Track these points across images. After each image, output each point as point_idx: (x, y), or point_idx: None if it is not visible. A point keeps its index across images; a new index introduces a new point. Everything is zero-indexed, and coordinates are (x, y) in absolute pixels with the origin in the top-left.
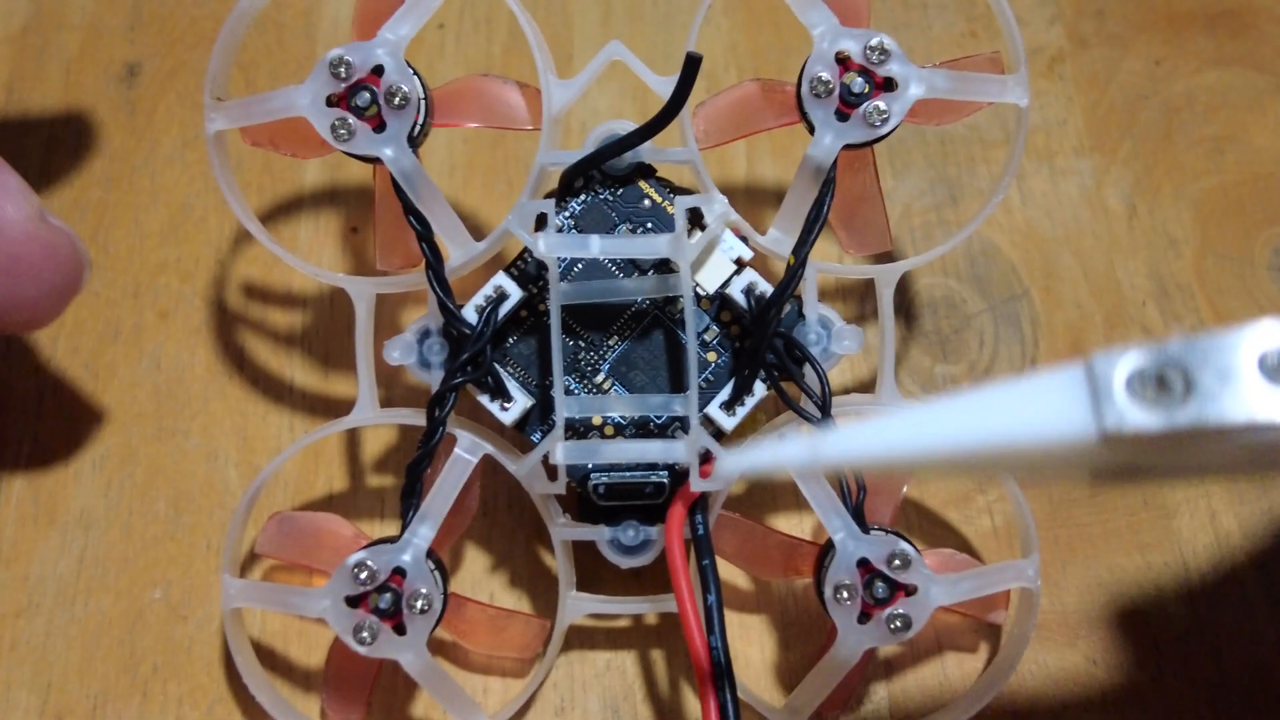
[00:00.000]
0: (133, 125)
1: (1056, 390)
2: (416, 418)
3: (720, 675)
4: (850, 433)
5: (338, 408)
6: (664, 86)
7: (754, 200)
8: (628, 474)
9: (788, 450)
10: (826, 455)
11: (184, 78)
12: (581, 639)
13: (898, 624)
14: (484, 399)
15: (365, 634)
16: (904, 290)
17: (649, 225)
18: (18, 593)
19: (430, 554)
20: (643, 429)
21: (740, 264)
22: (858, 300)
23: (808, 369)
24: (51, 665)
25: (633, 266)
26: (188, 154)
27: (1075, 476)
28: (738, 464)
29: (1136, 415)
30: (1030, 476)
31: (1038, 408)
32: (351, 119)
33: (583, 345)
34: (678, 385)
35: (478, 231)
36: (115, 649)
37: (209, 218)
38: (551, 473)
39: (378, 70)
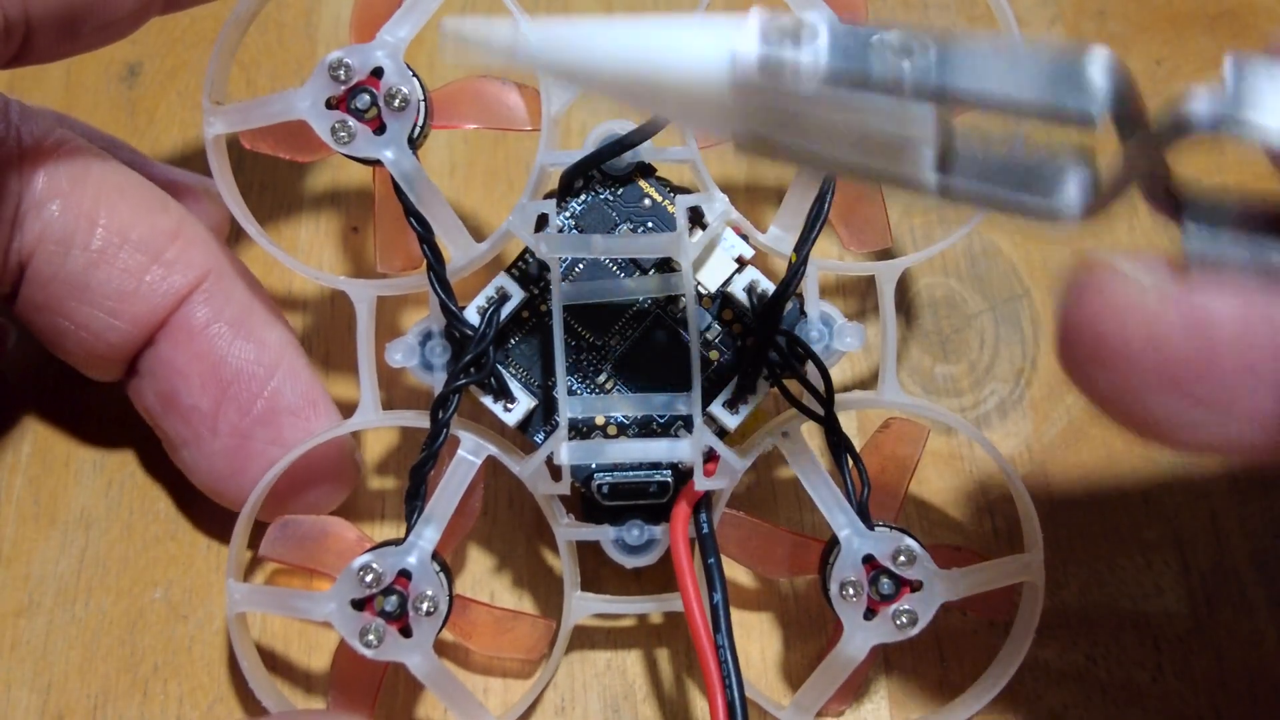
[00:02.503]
0: (133, 125)
1: (708, 30)
2: (419, 420)
3: (728, 674)
4: (551, 33)
5: (340, 412)
6: None
7: (753, 198)
8: (631, 473)
9: (497, 31)
10: (528, 46)
11: (185, 78)
12: (582, 639)
13: (904, 620)
14: (487, 400)
15: (371, 637)
16: (904, 290)
17: (649, 224)
18: (18, 592)
19: (435, 556)
20: (646, 428)
21: (741, 262)
22: (858, 297)
23: (810, 366)
24: (52, 665)
25: (634, 266)
26: (188, 154)
27: (721, 125)
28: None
29: (755, 46)
30: (678, 110)
31: (699, 35)
32: (351, 121)
33: (585, 345)
34: (680, 384)
35: (478, 232)
36: (116, 648)
37: None
38: (555, 473)
39: (377, 72)
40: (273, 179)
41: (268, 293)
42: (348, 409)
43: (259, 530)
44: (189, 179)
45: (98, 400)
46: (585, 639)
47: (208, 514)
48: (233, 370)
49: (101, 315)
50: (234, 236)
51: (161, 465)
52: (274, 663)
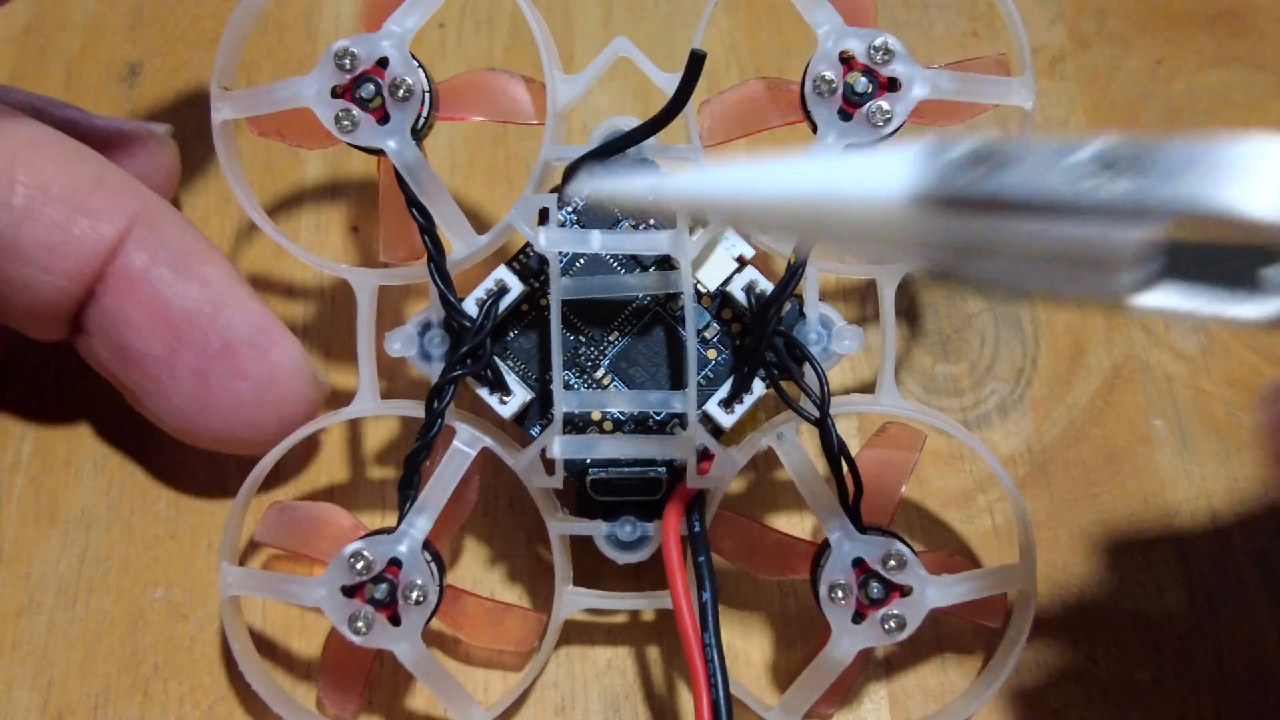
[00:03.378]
0: None
1: (888, 158)
2: (418, 410)
3: (713, 672)
4: (692, 175)
5: (339, 401)
6: (668, 83)
7: None
8: (626, 469)
9: (636, 182)
10: (670, 189)
11: (185, 77)
12: (582, 637)
13: (892, 624)
14: (483, 392)
15: (360, 624)
16: (905, 289)
17: (651, 221)
18: (19, 592)
19: (427, 546)
20: (642, 425)
21: (741, 262)
22: (859, 301)
23: (807, 368)
24: (52, 664)
25: (634, 263)
26: (189, 154)
27: (896, 254)
28: (593, 187)
29: (947, 180)
30: (853, 244)
31: (866, 168)
32: (355, 110)
33: (583, 340)
34: (678, 382)
35: (478, 229)
36: (116, 648)
37: (210, 217)
38: (550, 467)
39: (382, 62)
40: (272, 177)
41: (200, 231)
42: (347, 399)
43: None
44: (134, 127)
45: (98, 400)
46: (585, 637)
47: (208, 514)
48: (180, 311)
49: (35, 272)
50: (237, 232)
51: (162, 465)
52: (273, 653)
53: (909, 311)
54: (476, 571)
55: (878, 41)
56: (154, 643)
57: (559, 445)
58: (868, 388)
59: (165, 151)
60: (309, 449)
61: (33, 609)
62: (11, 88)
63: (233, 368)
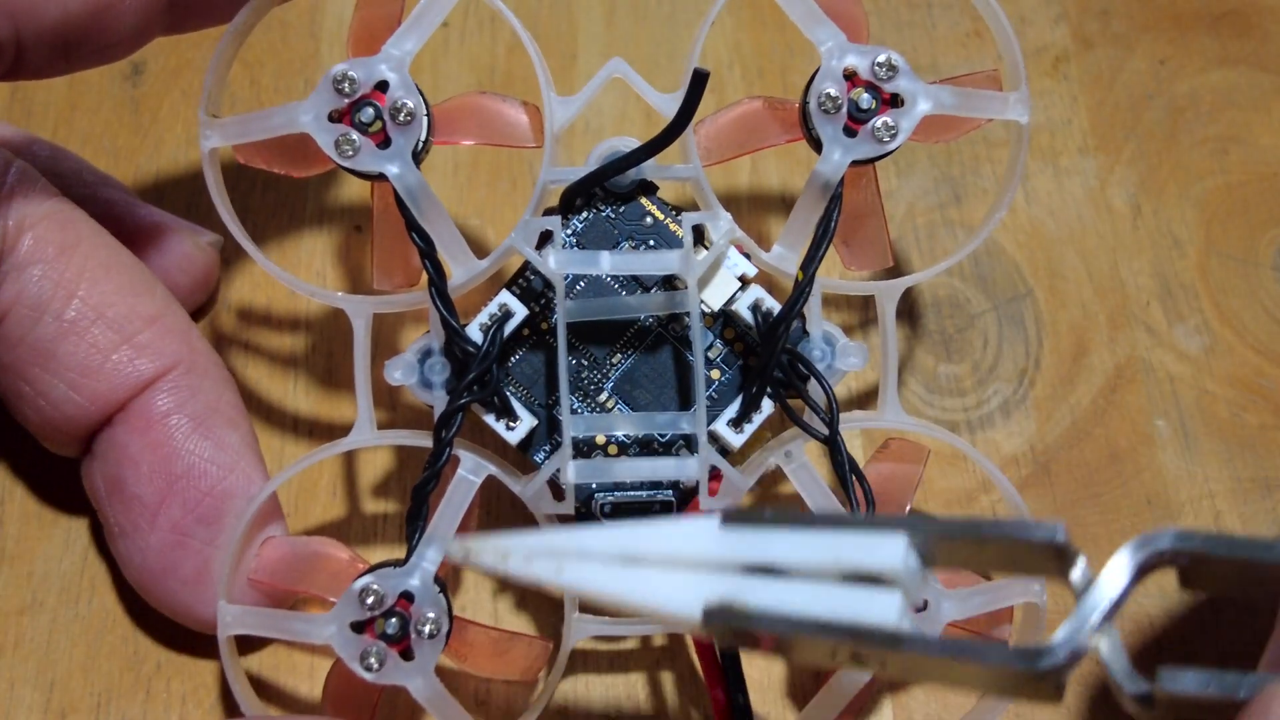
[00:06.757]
0: (137, 123)
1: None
2: (414, 439)
3: (734, 700)
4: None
5: (333, 429)
6: (665, 104)
7: (753, 209)
8: (634, 493)
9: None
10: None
11: (188, 76)
12: (584, 645)
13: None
14: (489, 419)
15: (373, 660)
16: (907, 290)
17: (651, 242)
18: (22, 590)
19: (436, 578)
20: (646, 447)
21: (744, 281)
22: (859, 309)
23: (812, 384)
24: (55, 662)
25: (636, 283)
26: (192, 153)
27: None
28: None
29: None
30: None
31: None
32: (355, 135)
33: (585, 363)
34: (681, 403)
35: (481, 231)
36: (119, 646)
37: (212, 216)
38: (556, 492)
39: (381, 86)
40: (275, 177)
41: (238, 392)
42: (341, 427)
43: None
44: (177, 225)
45: None
46: (588, 644)
47: None
48: (184, 465)
49: (61, 386)
50: (234, 252)
51: None
52: (271, 686)
53: (911, 312)
54: (480, 598)
55: (881, 58)
56: (156, 641)
57: (573, 470)
58: (868, 395)
59: (202, 257)
60: (300, 479)
61: (35, 607)
62: (68, 153)
63: (213, 534)
